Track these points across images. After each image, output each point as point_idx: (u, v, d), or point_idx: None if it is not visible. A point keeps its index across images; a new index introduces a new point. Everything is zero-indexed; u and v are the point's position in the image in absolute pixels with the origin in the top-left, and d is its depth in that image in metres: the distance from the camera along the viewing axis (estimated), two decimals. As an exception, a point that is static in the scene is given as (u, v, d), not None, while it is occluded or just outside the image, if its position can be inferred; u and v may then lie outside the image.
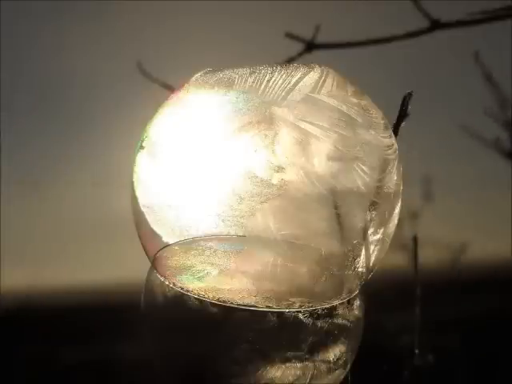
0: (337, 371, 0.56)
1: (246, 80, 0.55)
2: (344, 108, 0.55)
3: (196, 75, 0.59)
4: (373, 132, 0.56)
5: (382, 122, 0.57)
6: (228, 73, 0.57)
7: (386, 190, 0.56)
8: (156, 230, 0.57)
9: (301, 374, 0.55)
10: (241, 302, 0.54)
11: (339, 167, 0.54)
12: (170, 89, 0.78)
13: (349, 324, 0.57)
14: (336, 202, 0.54)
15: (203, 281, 0.55)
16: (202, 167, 0.54)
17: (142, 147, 0.58)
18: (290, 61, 0.95)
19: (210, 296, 0.54)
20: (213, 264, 0.55)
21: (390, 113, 0.60)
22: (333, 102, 0.55)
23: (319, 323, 0.55)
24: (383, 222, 0.57)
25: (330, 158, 0.54)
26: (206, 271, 0.55)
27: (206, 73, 0.58)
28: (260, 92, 0.55)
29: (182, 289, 0.55)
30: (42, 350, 2.76)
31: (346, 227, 0.54)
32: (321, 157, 0.53)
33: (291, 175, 0.53)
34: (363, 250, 0.56)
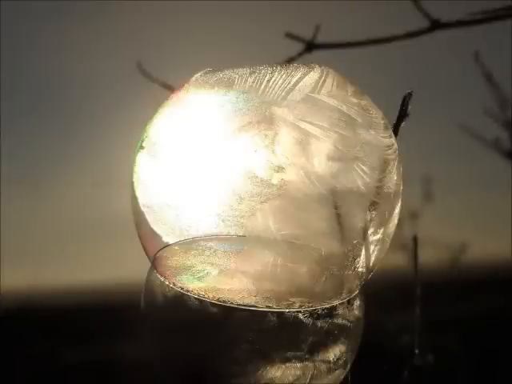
0: (337, 371, 0.56)
1: (246, 80, 0.55)
2: (344, 108, 0.55)
3: (196, 75, 0.59)
4: (373, 132, 0.56)
5: (382, 122, 0.57)
6: (228, 73, 0.57)
7: (386, 190, 0.56)
8: (156, 230, 0.57)
9: (301, 374, 0.55)
10: (241, 302, 0.54)
11: (339, 167, 0.54)
12: (170, 89, 0.78)
13: (349, 324, 0.57)
14: (336, 202, 0.54)
15: (203, 281, 0.55)
16: (202, 167, 0.54)
17: (142, 147, 0.58)
18: (290, 61, 0.95)
19: (210, 296, 0.54)
20: (213, 264, 0.55)
21: (390, 113, 0.60)
22: (333, 102, 0.55)
23: (319, 323, 0.55)
24: (383, 222, 0.57)
25: (330, 158, 0.54)
26: (206, 271, 0.55)
27: (206, 73, 0.58)
28: (260, 92, 0.55)
29: (182, 289, 0.55)
30: (42, 350, 2.76)
31: (346, 227, 0.54)
32: (321, 157, 0.53)
33: (291, 175, 0.53)
34: (363, 250, 0.56)
